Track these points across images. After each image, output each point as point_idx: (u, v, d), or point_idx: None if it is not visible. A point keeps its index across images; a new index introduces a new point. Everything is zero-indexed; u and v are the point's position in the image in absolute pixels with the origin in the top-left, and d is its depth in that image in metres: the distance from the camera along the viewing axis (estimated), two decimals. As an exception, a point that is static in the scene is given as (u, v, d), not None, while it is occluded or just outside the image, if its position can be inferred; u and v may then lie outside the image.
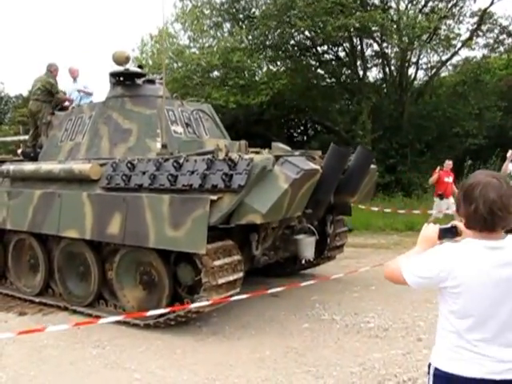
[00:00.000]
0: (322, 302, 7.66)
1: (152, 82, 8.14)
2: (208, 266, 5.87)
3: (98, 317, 6.79)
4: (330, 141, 19.04)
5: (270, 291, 6.87)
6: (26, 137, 10.60)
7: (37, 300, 7.87)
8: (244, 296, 6.30)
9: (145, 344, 6.11)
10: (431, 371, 2.55)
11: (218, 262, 5.97)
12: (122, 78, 8.04)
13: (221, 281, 5.98)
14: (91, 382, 5.14)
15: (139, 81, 8.06)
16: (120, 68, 7.96)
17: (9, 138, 12.27)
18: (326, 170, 6.58)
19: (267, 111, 20.73)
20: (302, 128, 25.90)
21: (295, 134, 25.89)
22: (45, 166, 7.71)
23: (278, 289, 6.84)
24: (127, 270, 6.86)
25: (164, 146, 6.97)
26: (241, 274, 6.33)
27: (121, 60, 8.13)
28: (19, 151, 10.26)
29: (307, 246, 7.51)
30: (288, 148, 7.59)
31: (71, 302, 7.42)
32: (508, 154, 11.07)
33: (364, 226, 14.98)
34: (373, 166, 8.01)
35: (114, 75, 8.04)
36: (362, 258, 10.76)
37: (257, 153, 6.71)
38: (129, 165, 6.67)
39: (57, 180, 7.49)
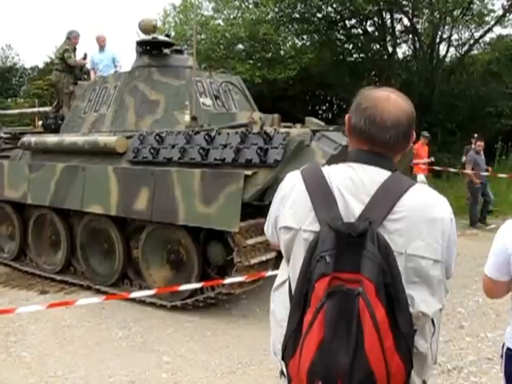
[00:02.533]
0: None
1: (180, 51, 7.77)
2: (240, 245, 5.54)
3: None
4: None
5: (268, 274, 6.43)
6: (46, 108, 10.30)
7: (58, 278, 7.59)
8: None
9: (173, 326, 5.84)
10: (504, 351, 2.59)
11: (250, 241, 5.65)
12: (148, 48, 7.66)
13: (253, 261, 5.67)
14: (119, 364, 4.87)
15: (167, 50, 7.68)
16: (147, 37, 7.59)
17: (29, 110, 11.94)
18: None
19: (292, 87, 20.22)
20: (327, 105, 25.32)
21: (319, 112, 25.33)
22: (68, 138, 7.40)
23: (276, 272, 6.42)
24: (154, 248, 6.54)
25: (194, 119, 6.62)
26: (273, 254, 5.99)
27: (148, 28, 7.79)
28: (40, 123, 9.95)
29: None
30: (322, 123, 7.22)
31: (95, 281, 7.14)
32: None
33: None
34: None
35: (140, 44, 7.65)
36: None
37: (289, 127, 6.34)
38: (157, 137, 6.34)
39: (80, 153, 7.19)
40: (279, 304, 1.99)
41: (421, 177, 12.49)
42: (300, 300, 1.69)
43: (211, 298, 6.09)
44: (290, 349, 1.70)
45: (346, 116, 1.94)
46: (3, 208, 8.40)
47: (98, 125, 7.70)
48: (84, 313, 6.25)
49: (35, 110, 11.19)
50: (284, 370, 1.87)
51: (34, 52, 58.75)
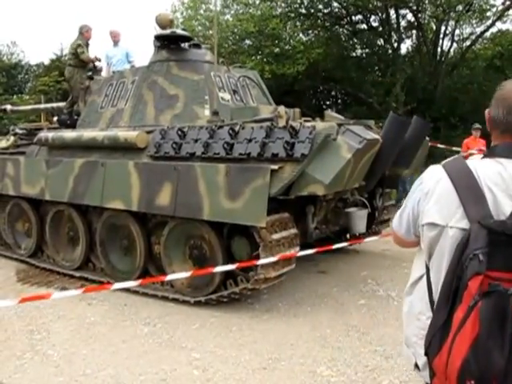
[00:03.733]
0: (373, 277, 7.33)
1: (198, 46, 7.72)
2: (266, 240, 5.52)
3: (145, 294, 6.55)
4: (361, 113, 18.80)
5: (300, 253, 6.10)
6: (60, 104, 10.24)
7: (77, 275, 7.58)
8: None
9: (198, 321, 5.80)
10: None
11: (275, 236, 5.63)
12: (166, 42, 7.61)
13: (278, 256, 5.64)
14: (147, 361, 4.82)
15: (184, 45, 7.65)
16: (165, 31, 7.55)
17: (42, 106, 11.86)
18: (385, 140, 6.18)
19: (299, 82, 20.21)
20: (332, 99, 25.36)
21: (324, 106, 25.33)
22: (87, 134, 7.36)
23: (309, 251, 6.30)
24: (176, 243, 6.51)
25: (215, 113, 6.59)
26: (297, 249, 5.99)
27: (165, 23, 7.78)
28: (55, 119, 9.90)
29: (360, 219, 7.13)
30: (341, 117, 7.20)
31: (115, 278, 7.10)
32: None
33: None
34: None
35: (159, 38, 7.61)
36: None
37: (308, 121, 6.31)
38: (179, 132, 6.30)
39: (99, 148, 7.15)
40: (417, 298, 2.00)
41: None
42: (448, 296, 1.69)
43: (235, 294, 6.07)
44: (435, 344, 1.70)
45: (486, 111, 1.93)
46: (19, 204, 8.38)
47: (116, 120, 7.66)
48: (107, 310, 6.24)
49: (48, 105, 11.13)
50: (419, 362, 1.86)
51: (39, 49, 58.33)
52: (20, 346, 5.24)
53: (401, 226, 2.10)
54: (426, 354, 1.78)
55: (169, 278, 5.43)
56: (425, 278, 1.96)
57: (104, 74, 10.21)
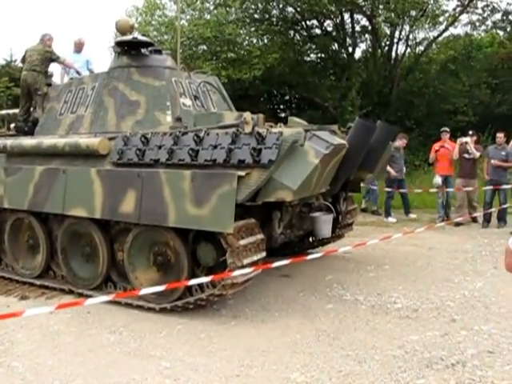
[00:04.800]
0: (338, 281, 7.40)
1: (159, 51, 7.65)
2: (234, 246, 5.51)
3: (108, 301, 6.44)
4: (316, 117, 18.94)
5: (274, 264, 6.07)
6: (16, 110, 10.03)
7: (38, 283, 7.42)
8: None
9: (164, 329, 5.75)
10: None
11: (242, 242, 5.63)
12: (126, 48, 7.53)
13: (245, 261, 5.65)
14: (117, 371, 4.74)
15: (145, 51, 7.58)
16: (127, 37, 7.48)
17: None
18: (351, 145, 6.24)
19: (254, 87, 20.26)
20: (287, 104, 25.50)
21: (278, 111, 25.48)
22: (47, 141, 7.22)
23: (284, 262, 6.30)
24: (140, 250, 6.44)
25: (178, 120, 6.55)
26: (263, 254, 6.01)
27: (125, 28, 7.71)
28: (12, 125, 9.70)
29: (325, 223, 7.18)
30: (305, 122, 7.26)
31: (77, 285, 7.00)
32: None
33: (358, 203, 14.69)
34: (389, 142, 7.72)
35: (119, 44, 7.53)
36: (364, 236, 10.47)
37: (271, 127, 6.32)
38: (142, 138, 6.23)
39: (60, 155, 7.01)
40: None
41: (437, 179, 12.67)
42: None
43: (202, 300, 6.03)
44: None
45: None
46: (-24, 213, 8.18)
47: (76, 126, 7.54)
48: (70, 318, 6.12)
49: (4, 112, 10.87)
50: None
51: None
52: (-17, 359, 5.10)
53: None
54: None
55: (143, 292, 5.35)
56: None
57: (59, 79, 10.16)
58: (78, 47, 10.96)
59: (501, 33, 23.06)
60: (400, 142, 13.16)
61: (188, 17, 20.66)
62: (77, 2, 51.51)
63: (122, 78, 7.30)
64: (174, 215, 5.73)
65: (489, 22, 21.59)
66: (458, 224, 11.65)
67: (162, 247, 6.29)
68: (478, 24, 21.49)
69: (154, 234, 6.27)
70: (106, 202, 6.28)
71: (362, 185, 12.11)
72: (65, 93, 8.06)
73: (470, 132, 12.10)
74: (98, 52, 29.55)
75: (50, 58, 8.89)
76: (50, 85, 8.60)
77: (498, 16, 21.12)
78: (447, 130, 13.05)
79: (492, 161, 11.65)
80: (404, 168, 13.42)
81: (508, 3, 20.43)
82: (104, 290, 6.82)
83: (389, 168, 12.65)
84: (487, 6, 20.55)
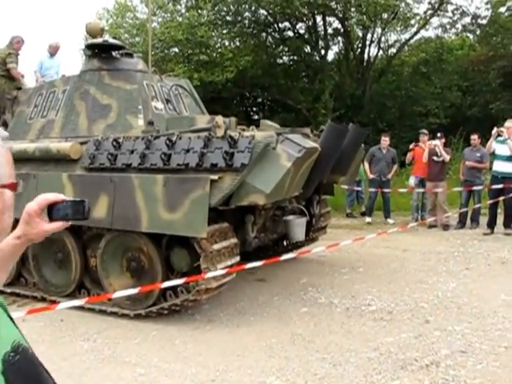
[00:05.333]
0: (313, 285, 7.38)
1: (130, 55, 7.59)
2: (207, 251, 5.49)
3: (81, 307, 6.36)
4: (289, 119, 18.99)
5: (247, 266, 6.18)
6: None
7: (8, 290, 7.29)
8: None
9: (139, 335, 5.69)
10: None
11: (216, 246, 5.62)
12: (97, 51, 7.45)
13: (219, 266, 5.63)
14: (91, 379, 4.68)
15: (116, 54, 7.51)
16: (97, 40, 7.40)
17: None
18: (324, 149, 6.24)
19: (226, 89, 20.24)
20: (259, 106, 25.53)
21: (251, 113, 25.49)
22: (16, 146, 7.08)
23: (257, 263, 6.31)
24: (113, 256, 6.37)
25: (150, 123, 6.49)
26: (237, 258, 6.00)
27: (96, 31, 7.63)
28: (-18, 130, 9.58)
29: (299, 227, 7.19)
30: (277, 125, 7.24)
31: (49, 292, 6.90)
32: (493, 132, 11.02)
33: (333, 206, 14.69)
34: (360, 145, 7.75)
35: (90, 47, 7.45)
36: (338, 239, 10.49)
37: (243, 130, 6.30)
38: (114, 143, 6.16)
39: (30, 160, 6.90)
40: None
41: (411, 181, 12.73)
42: None
43: (176, 305, 5.99)
44: None
45: None
46: None
47: (47, 131, 7.43)
48: (43, 326, 6.02)
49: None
50: None
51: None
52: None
53: None
54: None
55: (116, 295, 5.29)
56: None
57: (33, 81, 10.06)
58: (54, 50, 10.83)
59: (470, 36, 23.37)
60: (382, 142, 13.08)
61: (160, 19, 20.62)
62: (47, 3, 51.24)
63: (93, 81, 7.22)
64: (147, 220, 5.68)
65: (459, 26, 21.89)
66: (431, 226, 11.77)
67: (136, 253, 6.23)
68: (448, 27, 21.73)
69: (127, 240, 6.21)
70: (78, 207, 6.19)
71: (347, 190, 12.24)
72: (35, 96, 7.94)
73: (439, 134, 12.16)
74: (69, 54, 29.17)
75: (5, 60, 8.77)
76: (19, 88, 8.48)
77: (467, 19, 21.41)
78: (425, 132, 13.09)
79: (467, 162, 11.75)
80: (388, 169, 13.01)
81: (477, 7, 20.70)
82: (77, 297, 6.72)
83: (366, 168, 12.73)
84: (457, 9, 20.83)
